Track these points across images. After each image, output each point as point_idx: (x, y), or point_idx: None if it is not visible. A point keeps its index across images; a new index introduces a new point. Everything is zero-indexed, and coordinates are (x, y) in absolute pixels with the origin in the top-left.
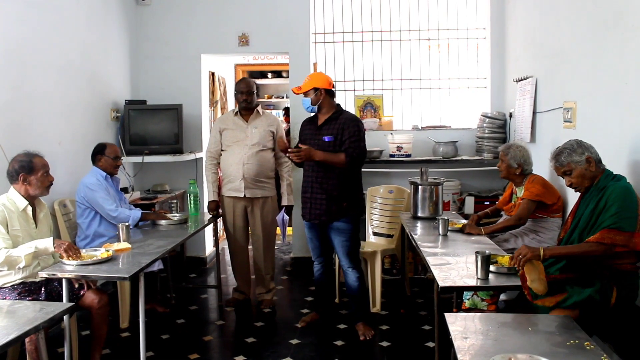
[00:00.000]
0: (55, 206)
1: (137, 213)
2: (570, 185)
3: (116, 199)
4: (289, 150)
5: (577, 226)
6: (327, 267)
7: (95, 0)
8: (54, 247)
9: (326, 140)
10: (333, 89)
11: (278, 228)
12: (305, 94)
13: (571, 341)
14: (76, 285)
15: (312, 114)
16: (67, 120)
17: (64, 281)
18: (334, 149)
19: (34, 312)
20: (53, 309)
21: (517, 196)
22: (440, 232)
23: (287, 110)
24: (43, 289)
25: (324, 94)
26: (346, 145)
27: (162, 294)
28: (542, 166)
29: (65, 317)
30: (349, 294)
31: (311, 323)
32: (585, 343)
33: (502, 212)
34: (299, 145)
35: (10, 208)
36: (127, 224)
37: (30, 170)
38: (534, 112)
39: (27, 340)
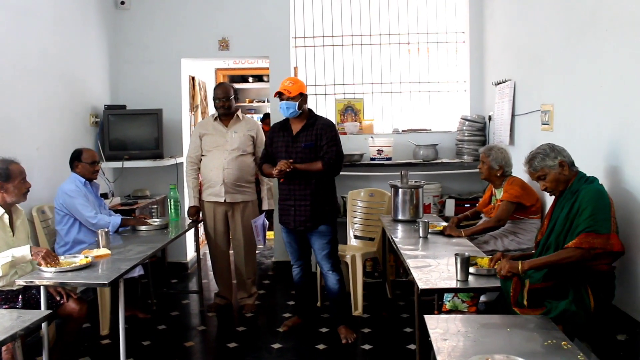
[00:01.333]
0: (33, 213)
1: (117, 219)
2: (545, 190)
3: (95, 205)
4: (280, 170)
5: (553, 230)
6: (306, 270)
7: (73, 5)
8: (32, 255)
9: (304, 147)
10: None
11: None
12: (292, 98)
13: (549, 341)
14: (57, 298)
15: (281, 120)
16: (45, 125)
17: (41, 288)
18: (314, 155)
19: (11, 321)
20: (30, 316)
21: (497, 198)
22: (421, 235)
23: (266, 116)
24: (20, 296)
25: (305, 100)
26: (323, 151)
27: (143, 299)
28: (521, 168)
29: (43, 325)
30: (329, 297)
31: (293, 327)
32: (563, 343)
33: (482, 214)
34: (284, 161)
35: None
36: (106, 230)
37: (6, 178)
38: (513, 115)
39: (3, 349)
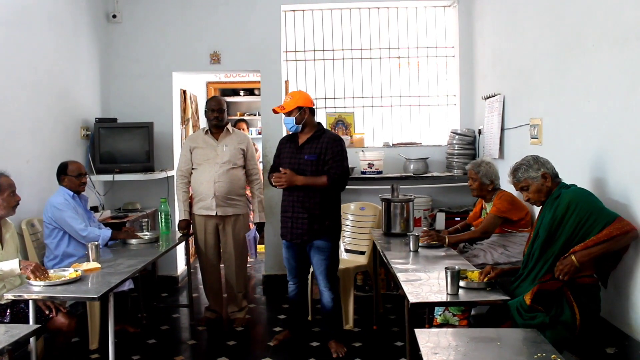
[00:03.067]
0: (22, 226)
1: (107, 232)
2: (527, 200)
3: (85, 218)
4: (274, 175)
5: (537, 237)
6: (302, 287)
7: (65, 18)
8: (21, 269)
9: (307, 159)
10: (314, 107)
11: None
12: (289, 114)
13: (538, 354)
14: (46, 312)
15: (291, 133)
16: (36, 138)
17: (30, 302)
18: (317, 168)
19: None
20: (19, 331)
21: (487, 212)
22: (411, 249)
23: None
24: (9, 310)
25: (308, 113)
26: (329, 165)
27: (133, 313)
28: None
29: (32, 340)
30: (322, 313)
31: (283, 341)
32: (552, 356)
33: (472, 228)
34: (281, 169)
35: None
36: (96, 243)
37: None
38: (502, 129)
39: None
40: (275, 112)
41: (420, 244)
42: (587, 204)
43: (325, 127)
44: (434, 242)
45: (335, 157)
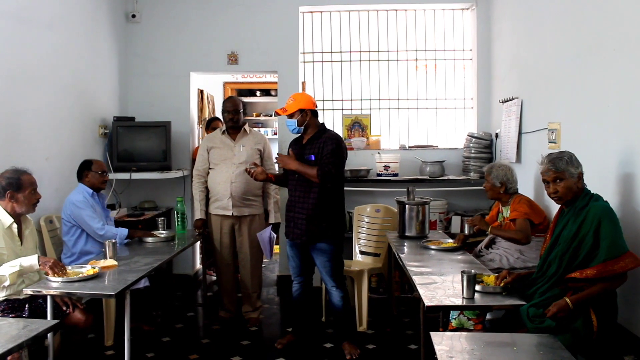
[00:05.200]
0: (41, 222)
1: (124, 231)
2: (554, 193)
3: (102, 216)
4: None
5: (555, 245)
6: (306, 286)
7: (86, 17)
8: (39, 265)
9: (308, 159)
10: (316, 109)
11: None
12: (291, 116)
13: None
14: (64, 308)
15: (298, 135)
16: (55, 136)
17: (48, 298)
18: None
19: (18, 330)
20: (37, 326)
21: (504, 215)
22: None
23: (211, 121)
24: (27, 305)
25: (310, 115)
26: (323, 162)
27: (148, 311)
28: (527, 186)
29: (49, 335)
30: (334, 313)
31: (288, 344)
32: None
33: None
34: (278, 154)
35: None
36: (113, 241)
37: (17, 188)
38: (520, 133)
39: (9, 358)
40: (277, 114)
41: (432, 247)
42: (612, 227)
43: (337, 128)
44: (477, 228)
45: (327, 154)
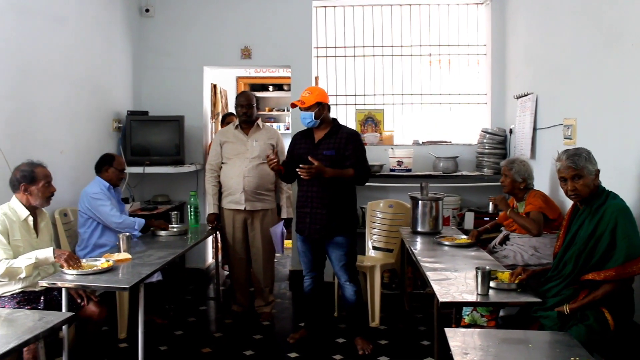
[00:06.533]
0: (56, 215)
1: (142, 220)
2: (573, 190)
3: (118, 209)
4: (300, 166)
5: (571, 243)
6: (317, 282)
7: (100, 11)
8: (55, 257)
9: (325, 154)
10: (329, 104)
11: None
12: (308, 108)
13: (572, 358)
14: (78, 300)
15: (305, 128)
16: (70, 129)
17: (63, 290)
18: (335, 163)
19: (34, 321)
20: (53, 318)
21: (518, 211)
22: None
23: (224, 118)
24: (42, 297)
25: (326, 109)
26: (353, 160)
27: (161, 305)
28: (542, 182)
29: (64, 327)
30: (346, 308)
31: (300, 339)
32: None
33: (502, 228)
34: (310, 159)
35: (11, 218)
36: (127, 234)
37: (31, 180)
38: (534, 129)
39: (25, 349)
40: (293, 106)
41: (446, 243)
42: (629, 226)
43: (350, 123)
44: (497, 207)
45: (358, 153)
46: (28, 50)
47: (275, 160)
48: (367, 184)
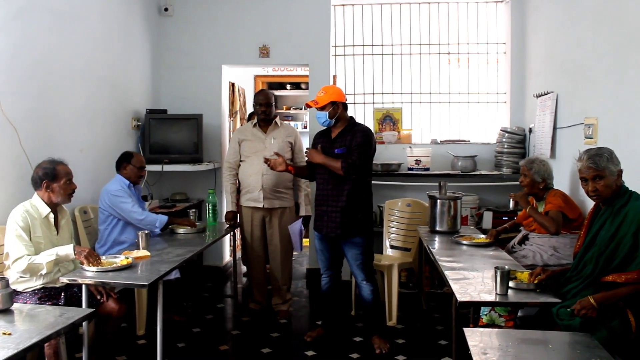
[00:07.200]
0: (75, 212)
1: (164, 217)
2: (594, 192)
3: (139, 206)
4: (307, 148)
5: (592, 244)
6: (335, 280)
7: (120, 11)
8: (75, 254)
9: (337, 152)
10: (346, 102)
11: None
12: (322, 108)
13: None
14: (98, 297)
15: (324, 128)
16: (90, 128)
17: (83, 287)
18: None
19: (55, 317)
20: (73, 314)
21: (538, 211)
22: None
23: (250, 116)
24: (63, 294)
25: (341, 108)
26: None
27: (179, 302)
28: (562, 182)
29: (84, 323)
30: (363, 307)
31: (317, 338)
32: None
33: (522, 227)
34: (307, 148)
35: (33, 215)
36: (146, 232)
37: (53, 178)
38: (554, 128)
39: (46, 345)
40: (308, 106)
41: (464, 242)
42: None
43: (368, 121)
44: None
45: (354, 146)
46: (50, 49)
47: (274, 162)
48: (384, 182)
